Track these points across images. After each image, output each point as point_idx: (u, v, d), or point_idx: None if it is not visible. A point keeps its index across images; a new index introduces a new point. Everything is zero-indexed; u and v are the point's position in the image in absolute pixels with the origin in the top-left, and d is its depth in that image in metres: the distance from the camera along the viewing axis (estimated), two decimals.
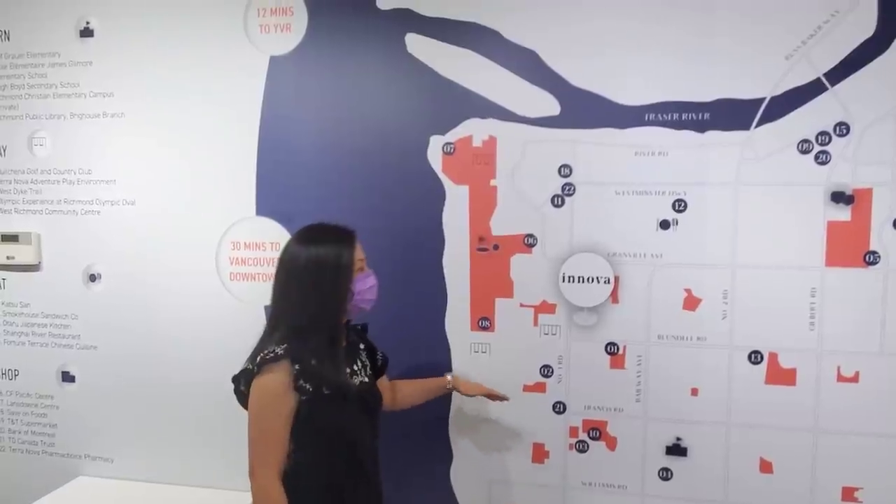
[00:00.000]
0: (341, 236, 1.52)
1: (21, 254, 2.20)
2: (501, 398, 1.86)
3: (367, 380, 1.60)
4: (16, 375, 2.29)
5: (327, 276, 1.47)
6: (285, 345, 1.43)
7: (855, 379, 1.73)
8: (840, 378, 1.73)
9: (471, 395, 1.86)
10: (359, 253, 1.53)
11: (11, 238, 2.20)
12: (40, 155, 2.19)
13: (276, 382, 1.41)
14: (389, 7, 1.91)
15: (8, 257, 2.20)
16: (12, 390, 2.30)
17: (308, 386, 1.42)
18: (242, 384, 1.46)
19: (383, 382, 1.74)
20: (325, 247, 1.49)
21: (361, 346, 1.66)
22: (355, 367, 1.58)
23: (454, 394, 1.95)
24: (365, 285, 1.53)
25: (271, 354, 1.42)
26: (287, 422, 1.42)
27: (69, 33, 2.12)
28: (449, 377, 1.85)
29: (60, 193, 2.18)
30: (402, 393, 1.81)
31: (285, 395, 1.41)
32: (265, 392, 1.41)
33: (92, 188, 2.16)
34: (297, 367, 1.41)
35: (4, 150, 2.22)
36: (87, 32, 2.11)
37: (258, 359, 1.43)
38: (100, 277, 2.18)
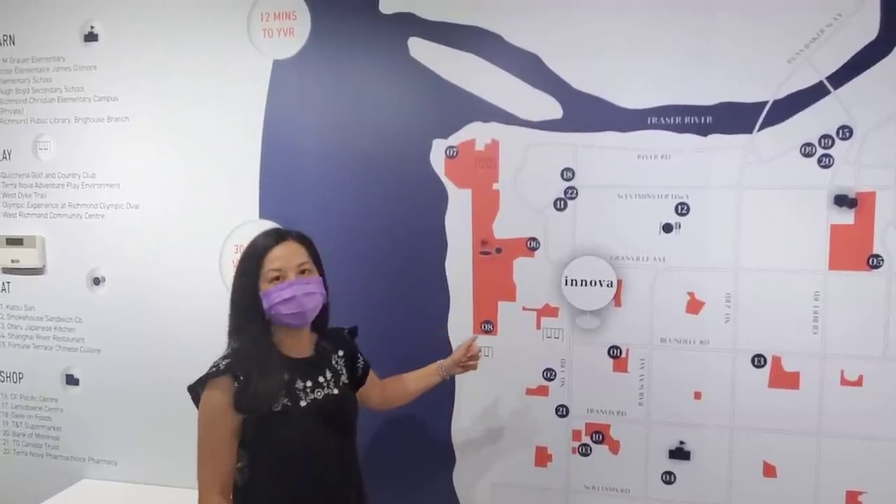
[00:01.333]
0: (259, 241, 1.44)
1: (26, 257, 2.21)
2: (472, 347, 1.74)
3: (336, 391, 1.49)
4: (20, 378, 2.30)
5: (237, 282, 1.42)
6: (228, 359, 1.38)
7: (859, 383, 1.72)
8: (844, 382, 1.73)
9: (464, 367, 1.75)
10: (284, 259, 1.42)
11: (16, 241, 2.21)
12: (45, 159, 2.20)
13: (216, 400, 1.36)
14: (392, 11, 1.91)
15: (13, 261, 2.21)
16: (17, 393, 2.31)
17: (251, 403, 1.36)
18: (199, 390, 1.40)
19: (373, 381, 1.67)
20: (245, 251, 1.44)
21: (340, 353, 1.56)
22: (320, 379, 1.47)
23: (456, 396, 1.96)
24: (277, 297, 1.40)
25: (214, 368, 1.37)
26: (230, 440, 1.37)
27: (74, 38, 2.13)
28: (441, 373, 1.73)
29: (65, 197, 2.19)
30: (396, 391, 1.72)
31: (225, 414, 1.35)
32: (206, 410, 1.37)
33: (96, 192, 2.17)
34: (236, 384, 1.36)
35: (9, 154, 2.23)
36: (91, 37, 2.13)
37: (208, 370, 1.39)
38: (104, 281, 2.19)
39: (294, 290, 1.40)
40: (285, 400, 1.40)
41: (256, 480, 1.41)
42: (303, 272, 1.43)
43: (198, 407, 1.41)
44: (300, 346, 1.49)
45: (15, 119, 2.21)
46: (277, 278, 1.41)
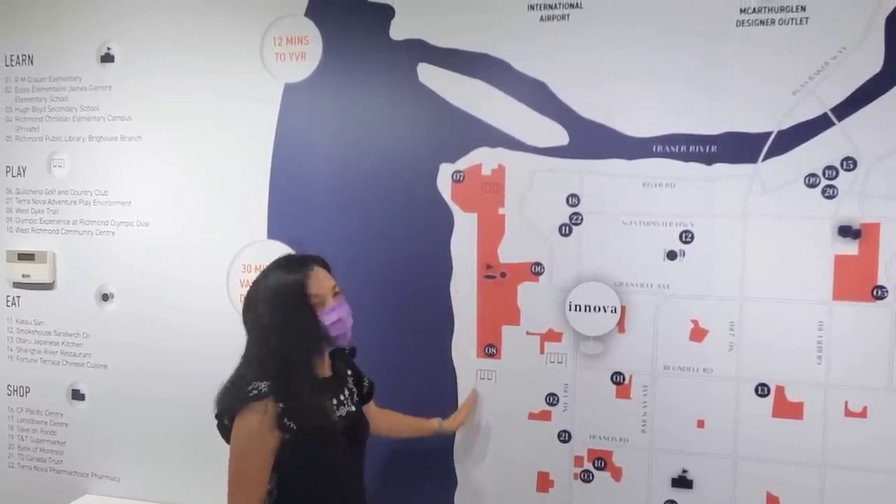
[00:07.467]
0: (288, 274, 1.46)
1: (36, 272, 2.23)
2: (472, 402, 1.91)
3: (353, 409, 1.56)
4: (27, 392, 2.31)
5: (280, 315, 1.43)
6: (269, 381, 1.40)
7: (863, 414, 1.71)
8: (848, 413, 1.72)
9: (462, 425, 1.89)
10: (320, 284, 1.47)
11: (27, 256, 2.24)
12: (58, 176, 2.24)
13: (259, 422, 1.37)
14: (402, 38, 1.94)
15: (23, 275, 2.24)
16: (23, 407, 2.32)
17: (292, 424, 1.38)
18: (227, 419, 1.42)
19: (371, 408, 1.70)
20: (276, 286, 1.45)
21: (349, 372, 1.63)
22: (342, 397, 1.55)
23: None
24: (328, 321, 1.46)
25: (255, 391, 1.38)
26: (267, 462, 1.39)
27: (91, 58, 2.18)
28: (436, 423, 1.86)
29: (77, 214, 2.22)
30: (387, 425, 1.80)
31: (267, 436, 1.38)
32: (247, 432, 1.38)
33: (107, 209, 2.20)
34: (281, 405, 1.38)
35: (24, 171, 2.26)
36: (107, 58, 2.17)
37: (242, 394, 1.40)
38: (113, 297, 2.21)
39: (339, 313, 1.49)
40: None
41: (284, 500, 1.43)
42: (335, 294, 1.50)
43: (223, 434, 1.44)
44: (323, 366, 1.55)
45: (31, 136, 2.25)
46: (320, 302, 1.46)
